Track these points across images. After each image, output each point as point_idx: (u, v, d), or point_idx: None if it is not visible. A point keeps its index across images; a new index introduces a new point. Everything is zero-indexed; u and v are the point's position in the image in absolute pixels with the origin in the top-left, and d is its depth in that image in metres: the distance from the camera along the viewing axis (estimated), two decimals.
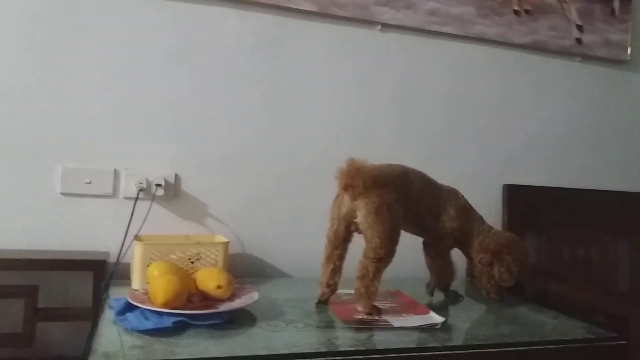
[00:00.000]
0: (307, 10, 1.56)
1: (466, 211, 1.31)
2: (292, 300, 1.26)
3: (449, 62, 1.73)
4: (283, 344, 0.94)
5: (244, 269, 1.50)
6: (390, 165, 1.24)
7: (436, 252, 1.32)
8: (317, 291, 1.22)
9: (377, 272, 1.12)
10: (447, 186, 1.32)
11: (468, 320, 1.23)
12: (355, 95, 1.64)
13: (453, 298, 1.36)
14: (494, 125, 1.78)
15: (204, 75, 1.50)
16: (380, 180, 1.15)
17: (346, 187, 1.15)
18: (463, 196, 1.32)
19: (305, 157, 1.59)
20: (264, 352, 0.90)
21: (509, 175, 1.77)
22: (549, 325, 1.20)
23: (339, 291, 1.26)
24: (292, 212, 1.58)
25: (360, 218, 1.15)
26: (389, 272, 1.15)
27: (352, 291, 1.16)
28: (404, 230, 1.28)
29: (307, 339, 0.99)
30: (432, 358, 0.98)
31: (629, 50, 1.92)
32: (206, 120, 1.50)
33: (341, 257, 1.21)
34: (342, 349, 0.95)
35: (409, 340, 1.01)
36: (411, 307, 1.22)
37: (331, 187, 1.60)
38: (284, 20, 1.56)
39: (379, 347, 0.97)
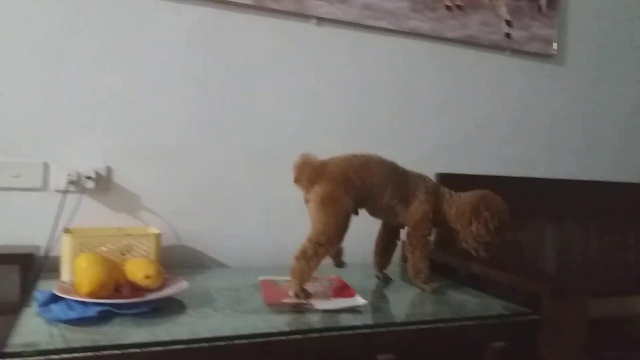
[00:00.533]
0: (243, 3, 1.57)
1: (434, 191, 1.33)
2: (225, 289, 1.27)
3: (386, 56, 1.78)
4: (207, 329, 0.96)
5: (181, 261, 1.51)
6: (356, 156, 1.27)
7: (415, 242, 1.31)
8: None
9: (315, 256, 1.16)
10: (415, 172, 1.34)
11: (395, 302, 1.29)
12: (294, 88, 1.66)
13: (384, 281, 1.41)
14: (428, 116, 1.84)
15: (138, 67, 1.49)
16: (325, 174, 1.21)
17: (296, 181, 1.23)
18: (431, 179, 1.35)
19: (244, 150, 1.60)
20: (186, 337, 0.91)
21: (442, 164, 1.83)
22: (471, 304, 1.26)
23: (276, 278, 1.31)
24: (230, 203, 1.59)
25: (309, 209, 1.21)
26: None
27: (288, 278, 1.20)
28: (376, 217, 1.37)
29: (232, 324, 1.00)
30: (351, 337, 1.02)
31: (555, 45, 2.02)
32: (140, 112, 1.49)
33: None
34: (263, 331, 0.97)
35: (331, 322, 1.04)
36: (341, 291, 1.25)
37: (269, 179, 1.64)
38: (220, 13, 1.57)
39: (298, 328, 1.00)
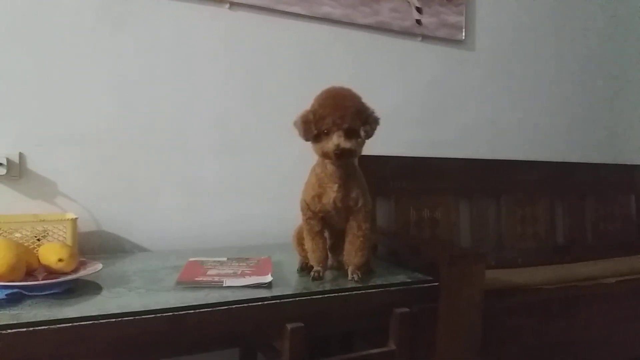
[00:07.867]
0: None
1: None
2: (144, 270, 1.31)
3: (299, 41, 1.83)
4: (117, 306, 0.99)
5: (101, 246, 1.53)
6: None
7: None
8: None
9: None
10: None
11: (306, 277, 1.32)
12: (207, 72, 1.69)
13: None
14: None
15: (43, 52, 1.47)
16: None
17: None
18: None
19: (161, 133, 1.62)
20: (94, 313, 0.95)
21: None
22: (376, 274, 1.33)
23: (205, 258, 1.38)
24: (147, 187, 1.61)
25: None
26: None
27: (219, 258, 1.36)
28: None
29: (143, 301, 1.04)
30: (258, 308, 1.08)
31: (463, 31, 2.13)
32: (50, 97, 1.48)
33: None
34: (166, 306, 1.01)
35: (242, 295, 1.10)
36: (259, 270, 1.28)
37: (188, 162, 1.66)
38: None
39: (207, 302, 1.05)
